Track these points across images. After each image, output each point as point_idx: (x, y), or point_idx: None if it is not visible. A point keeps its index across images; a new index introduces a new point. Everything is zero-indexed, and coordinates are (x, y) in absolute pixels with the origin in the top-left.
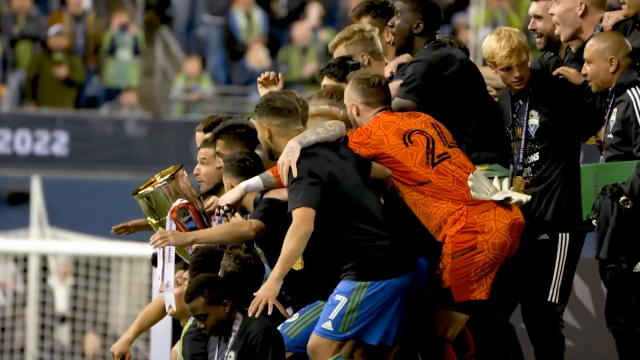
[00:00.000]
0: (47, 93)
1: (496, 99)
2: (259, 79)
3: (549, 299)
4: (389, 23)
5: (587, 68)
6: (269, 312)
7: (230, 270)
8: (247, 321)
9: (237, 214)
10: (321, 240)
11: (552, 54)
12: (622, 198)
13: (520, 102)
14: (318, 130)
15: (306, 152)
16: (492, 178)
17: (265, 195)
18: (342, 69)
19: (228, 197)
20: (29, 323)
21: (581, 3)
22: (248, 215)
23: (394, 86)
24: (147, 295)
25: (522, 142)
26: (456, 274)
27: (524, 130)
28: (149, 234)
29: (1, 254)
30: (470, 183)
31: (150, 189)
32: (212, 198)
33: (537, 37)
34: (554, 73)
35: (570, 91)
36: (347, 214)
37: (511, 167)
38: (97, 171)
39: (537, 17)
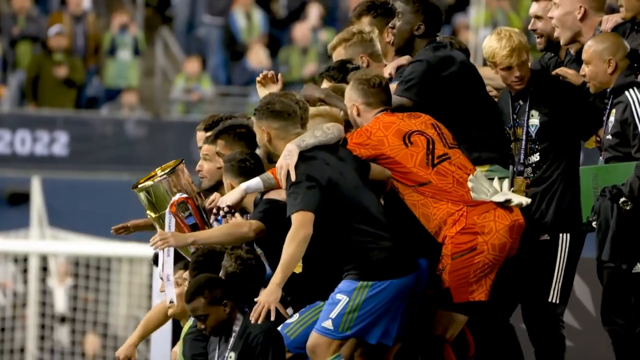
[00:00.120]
0: (47, 93)
1: (496, 99)
2: (257, 78)
3: (549, 300)
4: (389, 24)
5: (585, 69)
6: (272, 318)
7: (231, 270)
8: (248, 322)
9: (237, 215)
10: (321, 243)
11: (552, 54)
12: (622, 199)
13: (521, 102)
14: (316, 134)
15: (305, 156)
16: (492, 179)
17: (266, 196)
18: (341, 72)
19: (228, 198)
20: (29, 323)
21: (580, 6)
22: (248, 215)
23: (393, 88)
24: (147, 295)
25: (523, 142)
26: (456, 274)
27: (525, 130)
28: (149, 234)
29: (1, 254)
30: (470, 184)
31: (150, 182)
32: (214, 195)
33: (538, 37)
34: (553, 73)
35: (570, 91)
36: (347, 216)
37: (511, 167)
38: (97, 171)
39: (538, 17)
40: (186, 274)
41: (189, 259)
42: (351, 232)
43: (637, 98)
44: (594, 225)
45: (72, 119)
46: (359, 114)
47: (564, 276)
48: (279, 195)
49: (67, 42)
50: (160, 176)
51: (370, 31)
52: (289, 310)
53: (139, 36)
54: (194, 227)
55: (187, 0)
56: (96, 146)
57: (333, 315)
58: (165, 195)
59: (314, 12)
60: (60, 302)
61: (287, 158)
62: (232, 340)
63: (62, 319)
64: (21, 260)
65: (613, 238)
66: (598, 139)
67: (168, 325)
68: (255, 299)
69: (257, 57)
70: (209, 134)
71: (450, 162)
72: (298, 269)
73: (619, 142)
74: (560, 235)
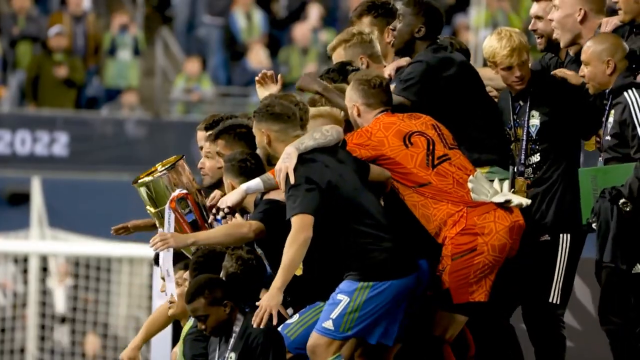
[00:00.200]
0: (47, 93)
1: (496, 100)
2: (256, 78)
3: (550, 300)
4: (390, 26)
5: (584, 70)
6: (274, 322)
7: (232, 271)
8: (248, 322)
9: (237, 215)
10: (321, 246)
11: (552, 55)
12: (622, 201)
13: (521, 102)
14: (315, 136)
15: (304, 158)
16: (492, 180)
17: (266, 196)
18: (341, 74)
19: (228, 199)
20: (29, 324)
21: (580, 9)
22: (248, 215)
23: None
24: (147, 296)
25: (524, 142)
26: (455, 275)
27: (525, 130)
28: (149, 235)
29: (1, 255)
30: (470, 185)
31: (150, 177)
32: (215, 192)
33: (538, 37)
34: (552, 74)
35: (570, 91)
36: (347, 218)
37: (511, 168)
38: (97, 172)
39: (538, 17)
40: (186, 275)
41: (190, 256)
42: (351, 234)
43: (636, 99)
44: (594, 227)
45: (72, 119)
46: (359, 115)
47: (564, 277)
48: (280, 195)
49: (67, 42)
50: (161, 171)
51: (370, 32)
52: (289, 311)
53: (139, 36)
54: (194, 224)
55: (187, 1)
56: (96, 146)
57: (334, 315)
58: (165, 191)
59: (314, 12)
60: (60, 303)
61: (286, 161)
62: (232, 340)
63: (62, 320)
64: (21, 261)
65: (614, 239)
66: (598, 139)
67: (168, 325)
68: (257, 303)
69: (257, 57)
70: (209, 133)
71: (450, 163)
72: (299, 271)
73: (618, 143)
74: (561, 235)
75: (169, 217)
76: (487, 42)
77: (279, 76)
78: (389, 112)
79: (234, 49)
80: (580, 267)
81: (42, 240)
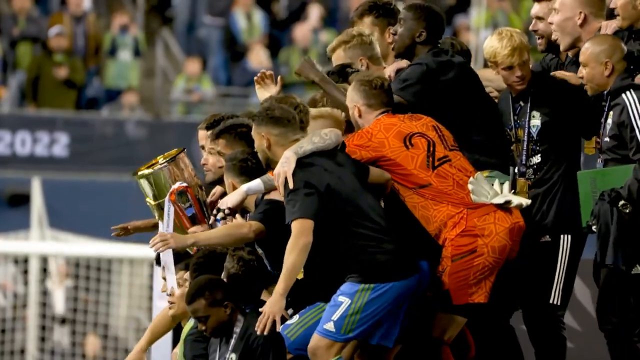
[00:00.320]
0: (48, 94)
1: (496, 100)
2: (255, 78)
3: (550, 301)
4: (391, 31)
5: (582, 71)
6: (278, 329)
7: (233, 272)
8: (248, 323)
9: (237, 215)
10: (322, 249)
11: (553, 55)
12: (621, 202)
13: (521, 103)
14: (314, 140)
15: (302, 162)
16: (492, 182)
17: (267, 196)
18: (341, 76)
19: (229, 200)
20: (29, 325)
21: (580, 12)
22: (249, 214)
23: None
24: (147, 296)
25: (525, 143)
26: (455, 276)
27: (526, 131)
28: (149, 236)
29: (1, 256)
30: (470, 186)
31: (150, 170)
32: (216, 188)
33: (539, 38)
34: (552, 74)
35: (571, 91)
36: (347, 221)
37: (512, 169)
38: (97, 172)
39: (539, 18)
40: (187, 275)
41: (191, 252)
42: (352, 237)
43: (634, 100)
44: (594, 230)
45: (73, 120)
46: (360, 115)
47: (565, 278)
48: (280, 195)
49: (68, 43)
50: (161, 164)
51: (370, 34)
52: (289, 311)
53: (140, 37)
54: (193, 218)
55: (187, 1)
56: (96, 147)
57: (335, 317)
58: (165, 183)
59: (315, 12)
60: (60, 304)
61: (285, 165)
62: (232, 341)
63: (63, 321)
64: (21, 262)
65: (615, 242)
66: (598, 140)
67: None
68: (260, 309)
69: (258, 57)
70: (210, 132)
71: (450, 165)
72: (300, 275)
73: (617, 144)
74: (561, 236)
75: (169, 210)
76: (487, 42)
77: (279, 78)
78: (390, 113)
79: (234, 50)
80: (581, 268)
81: (42, 241)
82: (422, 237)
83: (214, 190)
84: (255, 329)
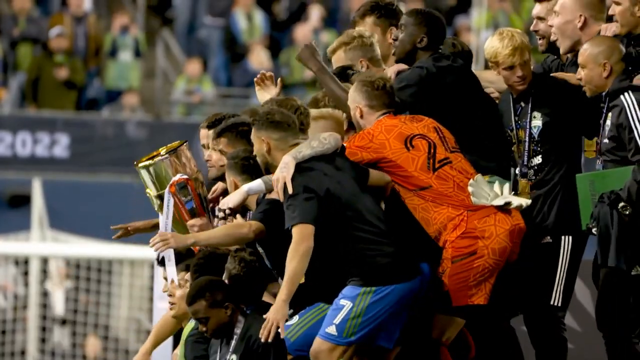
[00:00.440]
0: (48, 95)
1: (497, 101)
2: (255, 79)
3: (551, 303)
4: (392, 37)
5: (581, 73)
6: (282, 336)
7: (234, 273)
8: (249, 324)
9: (237, 216)
10: (322, 254)
11: (554, 56)
12: (621, 204)
13: (522, 104)
14: (313, 144)
15: (302, 167)
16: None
17: (267, 196)
18: (341, 78)
19: (230, 200)
20: (29, 326)
21: (580, 15)
22: (249, 214)
23: None
24: (148, 298)
25: (526, 144)
26: (455, 278)
27: (527, 132)
28: (150, 236)
29: (2, 257)
30: (470, 189)
31: (151, 161)
32: (217, 184)
33: (540, 38)
34: (552, 75)
35: (572, 92)
36: (347, 226)
37: (512, 170)
38: (98, 173)
39: (540, 18)
40: (188, 276)
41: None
42: (352, 241)
43: (632, 102)
44: (594, 232)
45: (73, 121)
46: (362, 116)
47: (565, 279)
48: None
49: (68, 44)
50: (163, 155)
51: (371, 35)
52: (289, 312)
53: (140, 37)
54: (192, 212)
55: (188, 2)
56: (97, 148)
57: (337, 320)
58: (166, 175)
59: (315, 13)
60: (60, 305)
61: (284, 170)
62: (233, 342)
63: (63, 322)
64: (22, 263)
65: (616, 244)
66: (598, 141)
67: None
68: (264, 316)
69: (258, 58)
70: (211, 131)
71: (451, 167)
72: (301, 279)
73: (616, 146)
74: (562, 237)
75: (168, 201)
76: (488, 42)
77: (279, 79)
78: (392, 114)
79: (235, 50)
80: (582, 269)
81: (42, 242)
82: (423, 239)
83: (215, 187)
84: (260, 336)
